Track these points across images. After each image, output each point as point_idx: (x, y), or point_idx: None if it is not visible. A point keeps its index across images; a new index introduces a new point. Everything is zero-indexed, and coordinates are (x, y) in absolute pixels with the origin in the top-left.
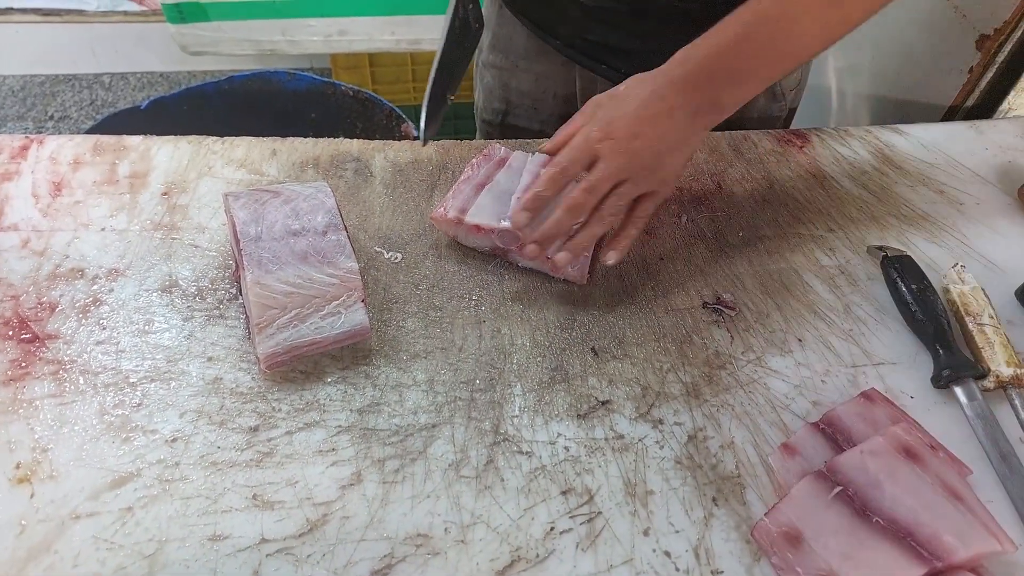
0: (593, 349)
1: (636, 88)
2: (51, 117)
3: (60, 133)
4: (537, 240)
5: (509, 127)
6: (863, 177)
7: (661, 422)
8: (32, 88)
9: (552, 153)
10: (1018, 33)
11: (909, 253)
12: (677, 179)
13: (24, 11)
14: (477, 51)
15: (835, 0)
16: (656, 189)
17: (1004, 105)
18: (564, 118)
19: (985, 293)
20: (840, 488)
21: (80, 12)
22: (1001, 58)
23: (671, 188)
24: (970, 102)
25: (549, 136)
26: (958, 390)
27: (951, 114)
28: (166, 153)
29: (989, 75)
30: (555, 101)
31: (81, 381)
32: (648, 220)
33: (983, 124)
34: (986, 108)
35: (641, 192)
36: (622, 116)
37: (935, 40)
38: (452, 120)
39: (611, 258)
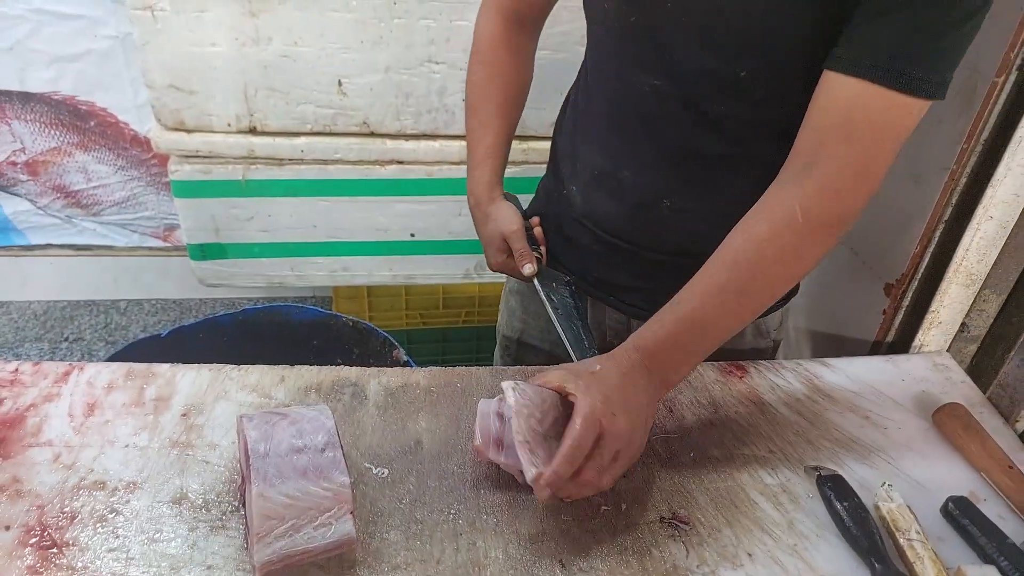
0: (561, 562)
1: (613, 370)
2: (66, 339)
3: (72, 354)
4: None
5: (524, 344)
6: (797, 404)
7: None
8: (53, 312)
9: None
10: (915, 282)
11: (841, 473)
12: (644, 441)
13: (61, 247)
14: (506, 279)
15: (742, 302)
16: (634, 453)
17: (916, 341)
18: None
19: (911, 510)
20: None
21: (109, 248)
22: (906, 302)
23: (641, 449)
24: (889, 338)
25: (557, 355)
26: None
27: (876, 347)
28: (189, 379)
29: (900, 316)
30: None
31: None
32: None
33: (898, 359)
34: (903, 343)
35: (626, 459)
36: (611, 398)
37: (853, 286)
38: (441, 343)
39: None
